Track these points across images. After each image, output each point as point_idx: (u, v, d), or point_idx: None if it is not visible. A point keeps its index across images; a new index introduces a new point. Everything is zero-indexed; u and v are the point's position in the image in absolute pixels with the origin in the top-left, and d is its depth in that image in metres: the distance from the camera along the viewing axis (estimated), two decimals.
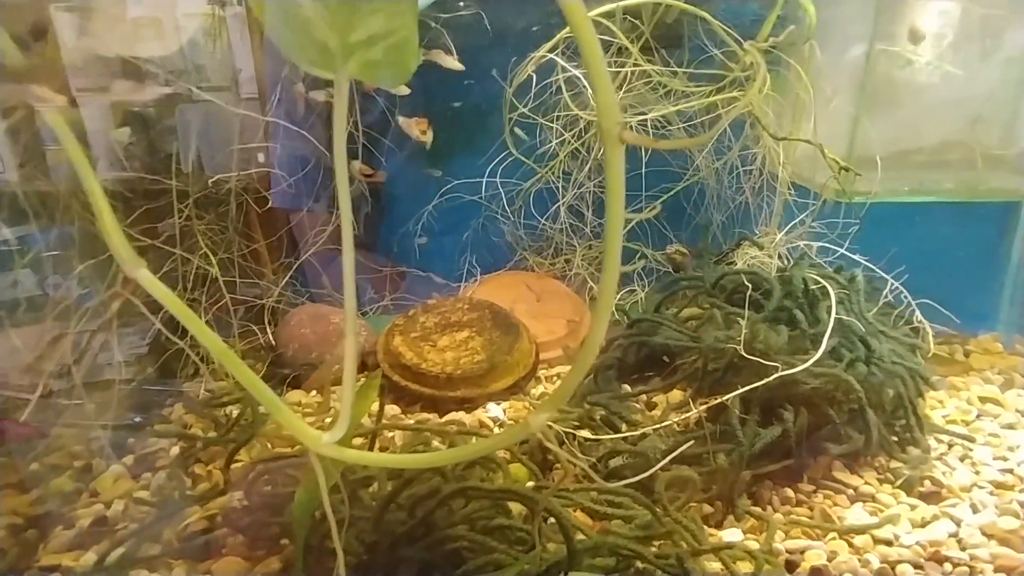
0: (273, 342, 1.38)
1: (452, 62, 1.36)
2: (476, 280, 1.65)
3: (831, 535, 0.82)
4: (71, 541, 0.85)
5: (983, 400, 1.18)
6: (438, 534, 0.66)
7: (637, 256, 1.65)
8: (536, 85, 1.43)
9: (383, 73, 0.48)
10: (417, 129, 1.31)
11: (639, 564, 0.70)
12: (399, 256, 1.70)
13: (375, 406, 1.10)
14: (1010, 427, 1.09)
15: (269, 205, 1.42)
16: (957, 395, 1.21)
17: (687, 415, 0.92)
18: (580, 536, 0.69)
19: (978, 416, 1.13)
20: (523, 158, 1.58)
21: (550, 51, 1.34)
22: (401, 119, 1.35)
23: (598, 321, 0.43)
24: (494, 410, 1.19)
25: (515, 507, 0.75)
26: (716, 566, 0.74)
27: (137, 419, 1.06)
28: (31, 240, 1.24)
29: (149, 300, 0.49)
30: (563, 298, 1.58)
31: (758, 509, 0.87)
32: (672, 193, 1.59)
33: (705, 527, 0.84)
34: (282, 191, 1.46)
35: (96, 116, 1.26)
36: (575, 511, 0.83)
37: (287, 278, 1.51)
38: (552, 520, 0.77)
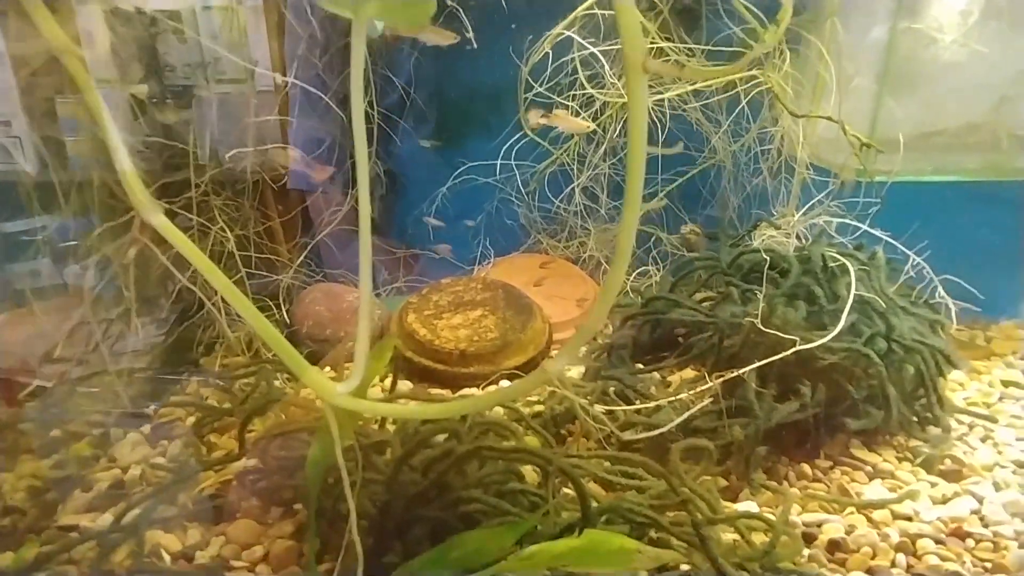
0: (288, 320, 1.39)
1: (444, 36, 1.33)
2: (490, 263, 1.65)
3: (849, 510, 0.81)
4: (89, 503, 0.86)
5: (1005, 384, 1.16)
6: (452, 495, 0.66)
7: (651, 239, 1.64)
8: (552, 64, 1.42)
9: (401, 14, 0.47)
10: (439, 37, 1.28)
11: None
12: (413, 239, 1.70)
13: (388, 381, 1.11)
14: None
15: (284, 184, 1.43)
16: (978, 378, 1.19)
17: (703, 388, 0.90)
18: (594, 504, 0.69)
19: (1000, 398, 1.10)
20: (538, 139, 1.57)
21: (567, 28, 1.33)
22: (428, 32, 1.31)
23: (620, 257, 0.43)
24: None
25: (528, 475, 0.75)
26: (731, 537, 0.73)
27: (151, 408, 1.07)
28: (50, 229, 1.26)
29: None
30: (576, 280, 1.57)
31: (773, 483, 0.86)
32: (688, 176, 1.57)
33: (722, 499, 0.84)
34: (298, 172, 1.46)
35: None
36: (588, 481, 0.83)
37: (302, 257, 1.52)
38: (565, 489, 0.77)
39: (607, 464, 0.83)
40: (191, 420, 1.01)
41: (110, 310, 1.15)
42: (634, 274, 1.54)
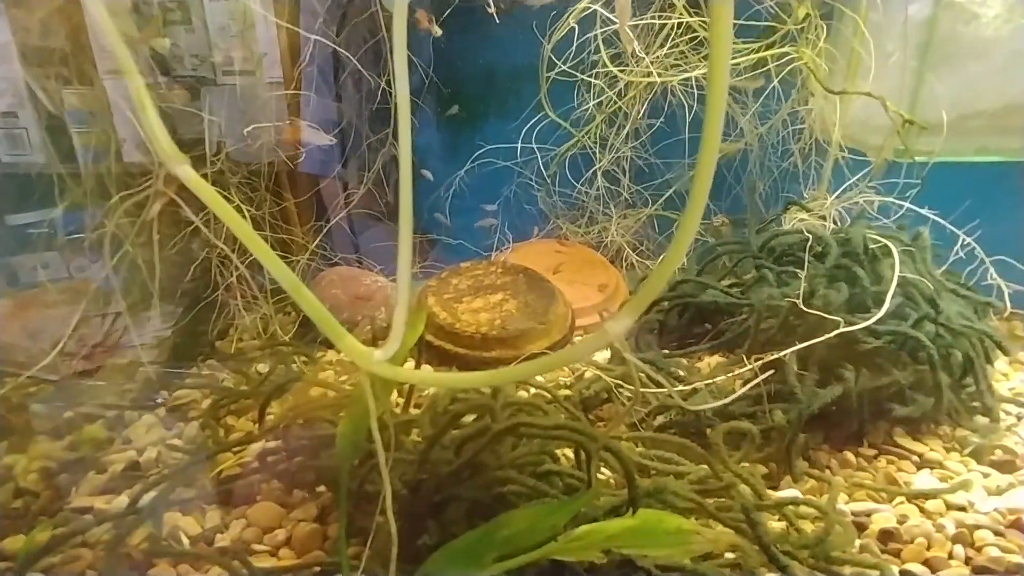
0: None
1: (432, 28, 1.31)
2: (508, 248, 1.61)
3: (898, 499, 0.77)
4: (103, 485, 0.83)
5: None
6: (487, 475, 0.62)
7: (675, 225, 1.60)
8: (577, 40, 1.37)
9: None
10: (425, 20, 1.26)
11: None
12: (429, 224, 1.66)
13: (412, 363, 1.07)
14: None
15: (297, 167, 1.40)
16: (1023, 368, 1.14)
17: (740, 371, 0.86)
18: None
19: None
20: (560, 120, 1.53)
21: (592, 2, 1.29)
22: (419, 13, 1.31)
23: (694, 206, 0.39)
24: None
25: (562, 456, 0.71)
26: (779, 525, 0.69)
27: (159, 400, 1.05)
28: (57, 223, 1.24)
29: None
30: (596, 266, 1.53)
31: (816, 471, 0.82)
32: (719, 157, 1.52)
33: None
34: (312, 155, 1.43)
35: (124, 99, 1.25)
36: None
37: (318, 240, 1.49)
38: (600, 474, 0.73)
39: (641, 449, 0.79)
40: (207, 403, 0.98)
41: (122, 297, 1.12)
42: (658, 261, 1.50)
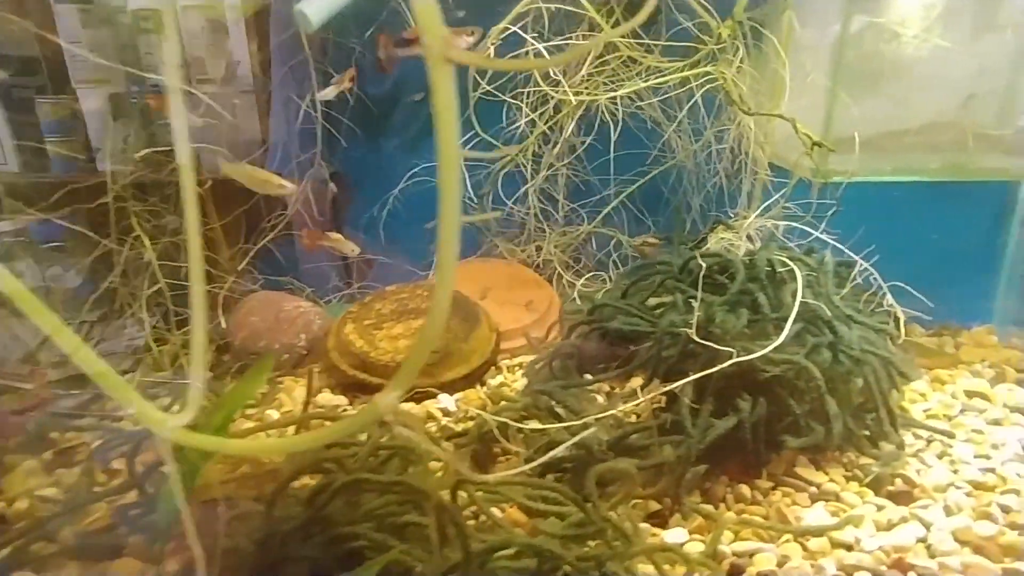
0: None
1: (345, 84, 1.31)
2: None
3: (785, 537, 0.75)
4: None
5: (970, 394, 1.10)
6: (335, 531, 0.60)
7: (612, 242, 1.59)
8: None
9: None
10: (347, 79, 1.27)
11: (567, 567, 0.63)
12: (365, 243, 1.64)
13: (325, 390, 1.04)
14: (996, 423, 1.01)
15: (226, 187, 1.37)
16: (942, 388, 1.13)
17: (635, 403, 0.84)
18: (498, 536, 0.63)
19: (962, 411, 1.04)
20: (492, 139, 1.51)
21: (513, 23, 1.27)
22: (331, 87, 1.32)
23: (440, 291, 0.37)
24: (445, 400, 1.13)
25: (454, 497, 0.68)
26: (650, 569, 0.67)
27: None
28: (31, 231, 1.22)
29: None
30: (531, 285, 1.51)
31: (709, 507, 0.80)
32: (649, 176, 1.52)
33: (650, 525, 0.78)
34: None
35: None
36: (510, 507, 0.77)
37: (244, 263, 1.46)
38: (494, 508, 0.71)
39: (529, 489, 0.76)
40: (97, 443, 0.95)
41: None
42: (582, 279, 1.48)
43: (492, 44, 1.27)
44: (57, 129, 1.30)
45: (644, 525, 0.76)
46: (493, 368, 1.26)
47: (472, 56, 0.35)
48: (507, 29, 1.28)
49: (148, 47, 1.31)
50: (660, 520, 0.79)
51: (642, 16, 0.38)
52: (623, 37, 1.33)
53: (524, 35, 1.28)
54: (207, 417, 0.61)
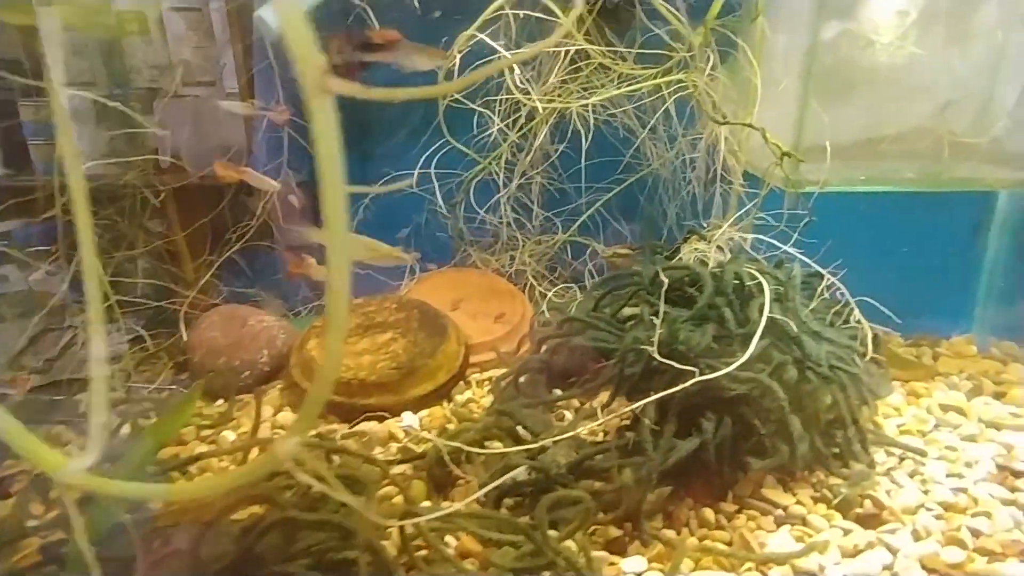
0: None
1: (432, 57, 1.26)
2: (414, 280, 1.56)
3: (747, 565, 0.72)
4: None
5: (945, 408, 1.08)
6: (266, 569, 0.56)
7: (587, 252, 1.56)
8: (471, 67, 1.33)
9: None
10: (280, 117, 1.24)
11: None
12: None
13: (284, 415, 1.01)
14: (971, 439, 0.99)
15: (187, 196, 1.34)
16: (917, 402, 1.11)
17: (598, 423, 0.82)
18: (444, 570, 0.59)
19: (936, 426, 1.02)
20: (464, 148, 1.48)
21: (479, 30, 1.24)
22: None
23: (334, 325, 0.34)
24: (408, 419, 1.09)
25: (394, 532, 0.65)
26: None
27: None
28: (15, 235, 1.19)
29: None
30: (504, 296, 1.48)
31: (671, 532, 0.77)
32: (625, 185, 1.50)
33: (608, 553, 0.75)
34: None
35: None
36: (464, 535, 0.74)
37: (207, 275, 1.42)
38: (449, 537, 0.67)
39: (481, 520, 0.73)
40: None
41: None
42: (554, 289, 1.46)
43: (458, 52, 1.24)
44: (40, 132, 1.27)
45: (601, 554, 0.73)
46: (462, 383, 1.23)
47: (352, 87, 0.32)
48: (474, 36, 1.25)
49: (132, 50, 1.27)
50: (620, 547, 0.76)
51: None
52: (593, 44, 1.31)
53: (492, 42, 1.26)
54: (132, 451, 0.57)
